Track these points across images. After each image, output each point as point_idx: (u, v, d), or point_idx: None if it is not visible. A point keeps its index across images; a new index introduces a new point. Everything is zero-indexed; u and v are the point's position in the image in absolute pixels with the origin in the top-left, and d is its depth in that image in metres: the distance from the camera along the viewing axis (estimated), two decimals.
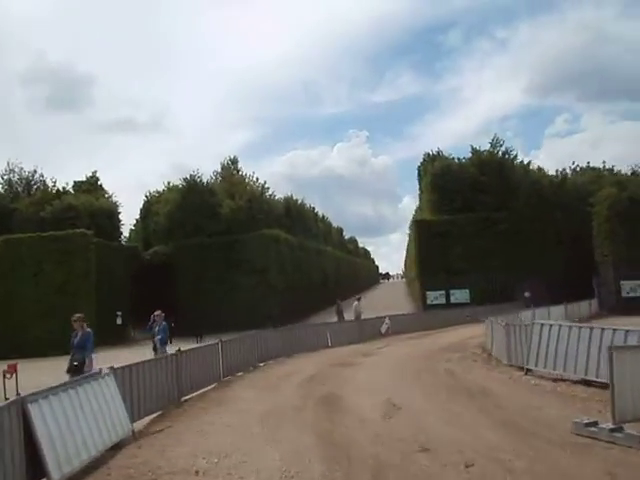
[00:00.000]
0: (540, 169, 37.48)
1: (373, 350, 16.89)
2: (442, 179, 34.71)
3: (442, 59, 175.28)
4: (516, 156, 35.36)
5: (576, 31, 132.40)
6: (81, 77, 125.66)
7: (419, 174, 42.89)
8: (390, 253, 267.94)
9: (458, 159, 36.19)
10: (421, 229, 33.99)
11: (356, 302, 23.31)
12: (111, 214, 35.51)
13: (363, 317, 22.44)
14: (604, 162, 40.59)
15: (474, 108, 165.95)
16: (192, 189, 38.55)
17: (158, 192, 45.10)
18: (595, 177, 39.38)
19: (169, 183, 45.65)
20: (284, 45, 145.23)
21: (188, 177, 39.60)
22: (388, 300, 56.07)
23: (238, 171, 47.28)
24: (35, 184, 39.57)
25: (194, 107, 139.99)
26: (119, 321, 32.57)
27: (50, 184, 40.14)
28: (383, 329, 21.39)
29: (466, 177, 34.20)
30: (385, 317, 22.30)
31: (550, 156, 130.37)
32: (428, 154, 40.99)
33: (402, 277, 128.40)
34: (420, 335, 20.99)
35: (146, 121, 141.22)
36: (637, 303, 26.67)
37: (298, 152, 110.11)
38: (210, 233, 36.66)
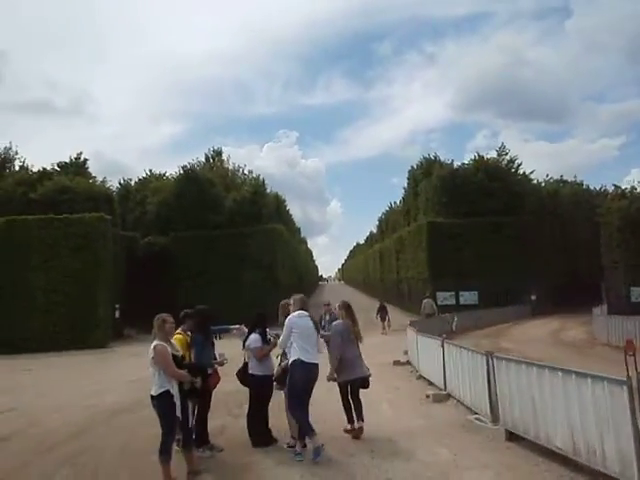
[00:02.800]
0: (531, 179, 39.44)
1: (484, 344, 16.82)
2: (451, 183, 35.54)
3: (374, 67, 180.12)
4: (520, 165, 37.08)
5: (497, 53, 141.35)
6: None
7: (411, 177, 43.62)
8: (316, 256, 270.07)
9: (464, 164, 37.30)
10: (433, 231, 34.52)
11: (428, 299, 23.08)
12: (109, 199, 32.71)
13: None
14: (575, 176, 44.31)
15: (402, 118, 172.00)
16: (191, 179, 36.55)
17: (139, 179, 42.50)
18: (573, 189, 42.53)
19: (150, 171, 43.44)
20: (217, 40, 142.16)
21: (187, 165, 37.71)
22: (358, 302, 56.47)
23: (222, 162, 45.81)
24: (9, 162, 35.77)
25: (118, 95, 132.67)
26: (117, 315, 30.07)
27: (19, 163, 36.83)
28: (454, 326, 21.52)
29: (474, 182, 35.26)
30: (453, 314, 22.61)
31: None
32: (425, 157, 41.94)
33: (339, 280, 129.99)
34: (493, 332, 21.32)
35: (65, 105, 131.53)
36: None
37: (227, 149, 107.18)
38: (212, 225, 34.96)
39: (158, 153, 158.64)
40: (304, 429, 6.02)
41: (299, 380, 6.15)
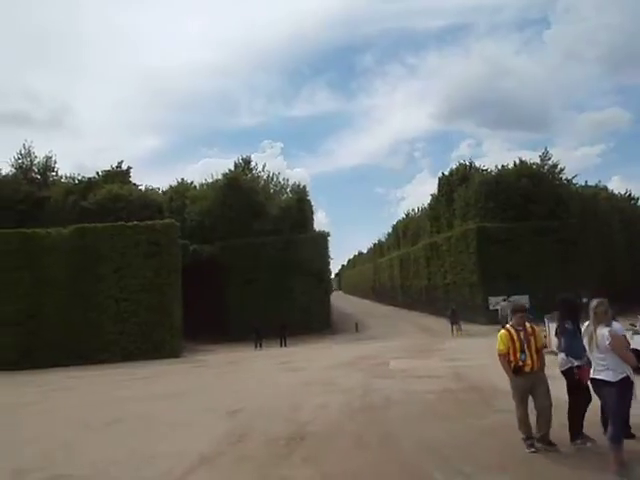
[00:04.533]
0: (573, 184, 39.98)
1: None
2: (495, 188, 35.88)
3: (357, 79, 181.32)
4: (562, 170, 37.65)
5: (478, 63, 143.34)
6: None
7: (443, 184, 43.82)
8: None
9: (503, 167, 37.74)
10: (482, 235, 34.71)
11: (504, 302, 23.23)
12: (160, 207, 32.11)
13: None
14: (600, 181, 45.26)
15: (385, 128, 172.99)
16: (234, 187, 36.10)
17: (173, 186, 41.77)
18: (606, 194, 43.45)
19: (183, 179, 42.85)
20: (200, 52, 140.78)
21: (228, 172, 37.34)
22: (374, 309, 56.44)
23: (251, 170, 45.45)
24: (50, 171, 34.92)
25: (99, 107, 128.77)
26: None
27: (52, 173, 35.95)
28: None
29: (518, 187, 35.67)
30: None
31: None
32: (460, 164, 42.32)
33: (334, 289, 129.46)
34: None
35: (44, 117, 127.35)
36: None
37: (211, 160, 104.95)
38: (257, 233, 34.57)
39: (141, 165, 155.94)
40: None
41: None
